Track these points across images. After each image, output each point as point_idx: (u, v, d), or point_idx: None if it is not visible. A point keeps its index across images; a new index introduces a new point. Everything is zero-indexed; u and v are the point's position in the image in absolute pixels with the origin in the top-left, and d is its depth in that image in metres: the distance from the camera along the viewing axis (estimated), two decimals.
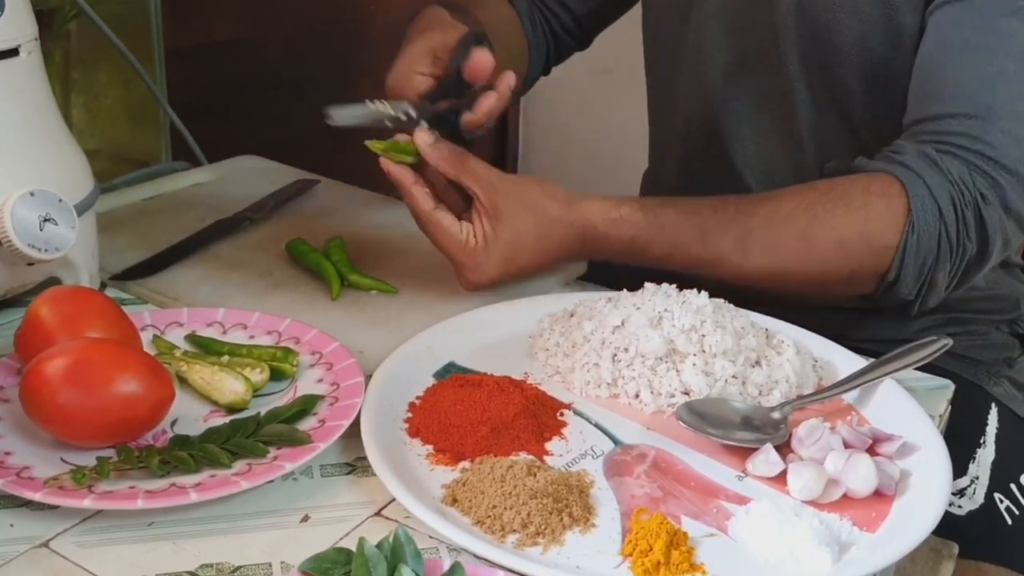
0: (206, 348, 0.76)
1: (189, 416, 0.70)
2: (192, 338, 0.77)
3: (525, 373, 0.77)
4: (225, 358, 0.73)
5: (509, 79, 0.86)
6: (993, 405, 0.98)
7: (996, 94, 0.81)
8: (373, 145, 0.82)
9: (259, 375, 0.72)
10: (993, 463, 0.94)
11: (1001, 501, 0.92)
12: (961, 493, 0.91)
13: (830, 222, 0.82)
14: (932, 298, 0.85)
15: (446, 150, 0.82)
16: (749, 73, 0.98)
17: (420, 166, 0.83)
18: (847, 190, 0.84)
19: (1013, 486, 0.93)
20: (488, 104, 0.85)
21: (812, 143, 0.96)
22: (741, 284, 0.84)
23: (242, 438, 0.65)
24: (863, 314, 0.97)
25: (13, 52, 0.76)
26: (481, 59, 0.84)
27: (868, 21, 0.89)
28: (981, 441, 0.95)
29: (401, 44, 0.90)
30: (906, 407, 0.72)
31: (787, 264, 0.83)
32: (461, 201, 0.84)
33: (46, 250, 0.76)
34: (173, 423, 0.68)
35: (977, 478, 0.93)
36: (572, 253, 0.86)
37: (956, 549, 0.83)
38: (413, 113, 0.84)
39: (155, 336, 0.77)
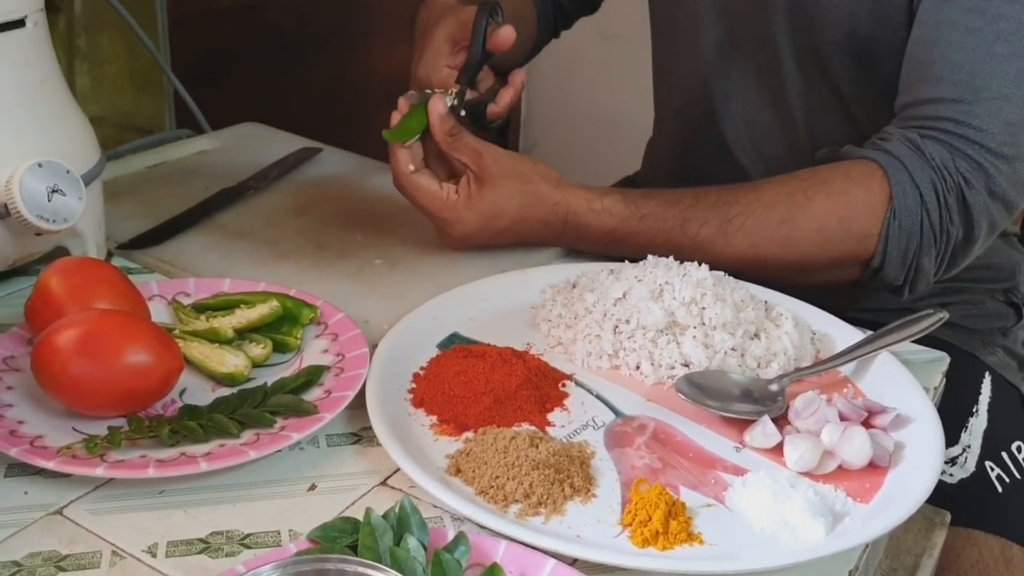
0: (214, 307, 0.77)
1: (197, 386, 0.71)
2: (199, 306, 0.78)
3: (527, 344, 0.78)
4: (230, 331, 0.74)
5: (522, 76, 0.93)
6: (987, 374, 0.99)
7: (984, 77, 0.81)
8: (388, 135, 0.87)
9: (261, 349, 0.73)
10: (985, 432, 0.95)
11: (992, 469, 0.94)
12: (953, 462, 0.93)
13: (810, 208, 0.83)
14: (921, 283, 0.85)
15: (448, 123, 0.84)
16: (739, 50, 0.99)
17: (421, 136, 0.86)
18: (828, 177, 0.84)
19: (1004, 454, 0.94)
20: (508, 98, 0.92)
21: (804, 120, 0.97)
22: (723, 270, 0.84)
23: (249, 408, 0.67)
24: (857, 285, 0.98)
25: (19, 23, 0.76)
26: (504, 33, 0.88)
27: None
28: (974, 410, 0.96)
29: (412, 21, 0.93)
30: (901, 380, 0.73)
31: (768, 251, 0.84)
32: (445, 172, 0.88)
33: (54, 221, 0.76)
34: (182, 393, 0.70)
35: (969, 447, 0.94)
36: (553, 234, 0.88)
37: (948, 517, 0.85)
38: (455, 102, 0.88)
39: (174, 302, 0.78)
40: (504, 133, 2.37)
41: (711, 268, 0.78)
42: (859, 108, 0.94)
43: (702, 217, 0.84)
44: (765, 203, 0.84)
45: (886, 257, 0.83)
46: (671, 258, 0.80)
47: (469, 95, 0.90)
